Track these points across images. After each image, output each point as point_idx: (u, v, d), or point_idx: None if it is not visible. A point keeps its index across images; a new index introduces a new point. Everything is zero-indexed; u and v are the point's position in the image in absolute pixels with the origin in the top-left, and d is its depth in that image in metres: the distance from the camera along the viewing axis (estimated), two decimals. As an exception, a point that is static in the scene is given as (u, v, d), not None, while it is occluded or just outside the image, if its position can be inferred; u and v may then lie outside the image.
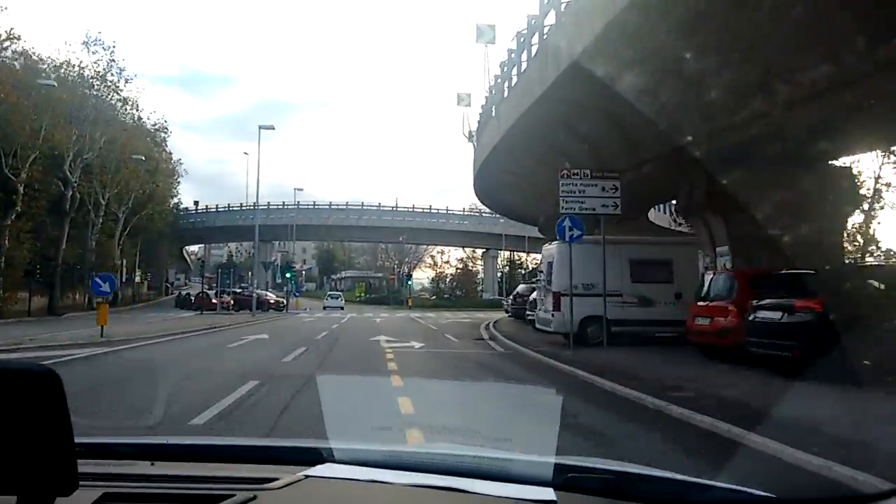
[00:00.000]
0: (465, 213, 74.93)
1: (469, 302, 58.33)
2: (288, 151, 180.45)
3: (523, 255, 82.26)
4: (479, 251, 77.74)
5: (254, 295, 38.43)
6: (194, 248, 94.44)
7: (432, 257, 62.53)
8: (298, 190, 62.12)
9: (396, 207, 73.88)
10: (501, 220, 77.39)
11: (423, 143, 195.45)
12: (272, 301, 45.14)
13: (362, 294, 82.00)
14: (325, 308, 51.91)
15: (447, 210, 74.23)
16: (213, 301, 45.64)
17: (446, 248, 78.39)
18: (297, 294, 56.33)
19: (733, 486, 1.47)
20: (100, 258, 48.99)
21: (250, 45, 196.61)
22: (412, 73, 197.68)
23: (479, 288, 66.40)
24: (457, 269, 62.51)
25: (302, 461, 1.53)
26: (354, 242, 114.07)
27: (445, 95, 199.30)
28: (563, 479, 1.39)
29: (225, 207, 76.85)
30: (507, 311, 29.35)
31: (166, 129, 57.78)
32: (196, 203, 78.63)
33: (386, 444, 1.90)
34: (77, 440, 0.99)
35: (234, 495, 1.21)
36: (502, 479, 1.42)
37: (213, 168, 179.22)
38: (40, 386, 0.94)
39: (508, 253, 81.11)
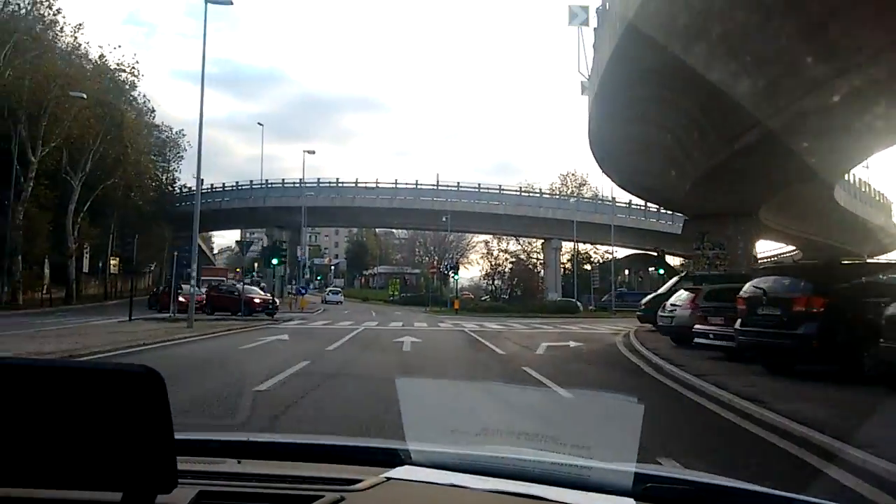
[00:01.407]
0: (523, 193, 58.61)
1: (532, 305, 42.00)
2: (333, 149, 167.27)
3: (587, 246, 65.83)
4: (538, 242, 61.49)
5: (192, 292, 22.85)
6: (225, 235, 79.64)
7: (486, 244, 46.57)
8: (309, 153, 45.64)
9: (437, 186, 57.99)
10: (572, 201, 60.91)
11: (475, 122, 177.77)
12: (257, 301, 29.60)
13: (396, 293, 66.28)
14: (324, 302, 50.80)
15: (500, 189, 57.99)
16: (182, 300, 30.26)
17: (502, 237, 62.09)
18: (304, 290, 40.78)
19: (822, 501, 1.39)
20: (30, 238, 34.23)
21: (290, 41, 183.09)
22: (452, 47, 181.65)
23: (543, 286, 49.99)
24: (515, 262, 46.40)
25: (381, 462, 1.53)
26: (391, 230, 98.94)
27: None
28: (642, 488, 1.34)
29: (232, 186, 61.82)
30: (701, 336, 12.91)
31: (136, 71, 42.38)
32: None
33: (463, 447, 1.81)
34: None
35: (323, 496, 1.23)
36: (581, 486, 1.40)
37: (254, 167, 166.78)
38: (143, 386, 0.94)
39: (573, 245, 64.72)
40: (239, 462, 1.56)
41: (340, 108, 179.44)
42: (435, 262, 60.31)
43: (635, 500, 1.27)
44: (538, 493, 1.32)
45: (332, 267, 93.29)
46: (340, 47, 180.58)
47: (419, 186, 57.79)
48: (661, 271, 27.90)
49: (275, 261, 27.47)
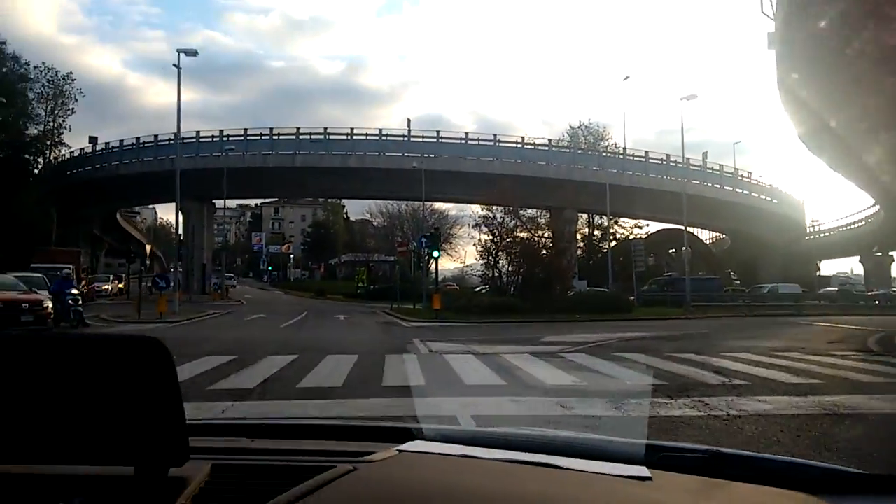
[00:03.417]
0: (526, 146, 41.37)
1: (560, 302, 24.93)
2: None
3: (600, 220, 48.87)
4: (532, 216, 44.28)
5: None
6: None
7: (486, 212, 28.94)
8: (192, 54, 27.30)
9: (409, 137, 40.63)
10: (602, 155, 43.95)
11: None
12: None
13: (363, 284, 49.06)
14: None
15: (496, 140, 40.85)
16: None
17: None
18: (163, 284, 23.28)
19: (831, 466, 1.36)
20: None
21: (261, 29, 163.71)
22: None
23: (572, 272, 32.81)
24: (525, 238, 29.21)
25: (393, 439, 1.46)
26: (367, 216, 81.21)
27: None
28: (656, 458, 1.31)
29: (132, 143, 43.84)
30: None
31: None
32: (93, 140, 45.61)
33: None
34: None
35: (334, 467, 1.19)
36: (594, 457, 1.34)
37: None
38: (150, 356, 0.90)
39: (589, 218, 48.00)
40: (252, 440, 1.49)
41: (318, 99, 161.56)
42: (409, 241, 42.44)
43: (649, 468, 1.23)
44: (551, 462, 1.28)
45: (291, 256, 75.65)
46: (319, 32, 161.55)
47: (384, 138, 40.45)
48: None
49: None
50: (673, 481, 1.22)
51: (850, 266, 63.31)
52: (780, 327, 18.85)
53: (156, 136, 43.67)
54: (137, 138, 43.97)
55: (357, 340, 13.65)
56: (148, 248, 30.68)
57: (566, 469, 1.24)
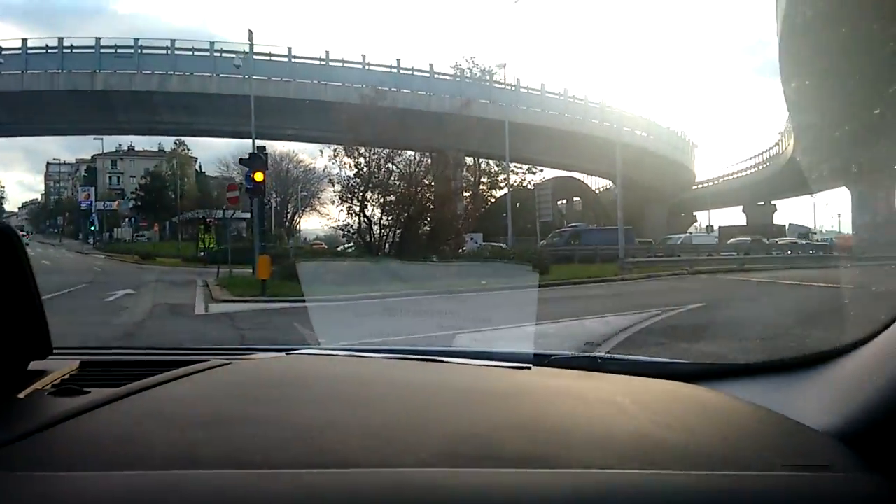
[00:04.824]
0: (403, 71, 33.14)
1: (461, 264, 17.53)
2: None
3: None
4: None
5: None
6: None
7: (357, 151, 20.40)
8: None
9: (252, 54, 30.99)
10: (493, 87, 36.48)
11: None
12: None
13: (203, 245, 39.19)
14: None
15: (365, 63, 32.25)
16: None
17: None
18: None
19: (701, 362, 1.44)
20: None
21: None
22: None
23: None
24: (404, 178, 21.61)
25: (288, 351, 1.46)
26: (187, 137, 69.32)
27: None
28: (543, 362, 1.35)
29: None
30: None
31: None
32: None
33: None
34: None
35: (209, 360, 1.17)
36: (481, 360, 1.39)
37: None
38: None
39: (473, 162, 40.77)
40: (130, 350, 1.44)
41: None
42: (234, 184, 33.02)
43: (532, 366, 1.25)
44: (438, 359, 1.28)
45: (126, 212, 63.38)
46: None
47: (218, 55, 30.69)
48: None
49: None
50: (554, 372, 1.22)
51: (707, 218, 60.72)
52: (784, 292, 12.58)
53: None
54: None
55: None
56: None
57: (451, 362, 1.24)
